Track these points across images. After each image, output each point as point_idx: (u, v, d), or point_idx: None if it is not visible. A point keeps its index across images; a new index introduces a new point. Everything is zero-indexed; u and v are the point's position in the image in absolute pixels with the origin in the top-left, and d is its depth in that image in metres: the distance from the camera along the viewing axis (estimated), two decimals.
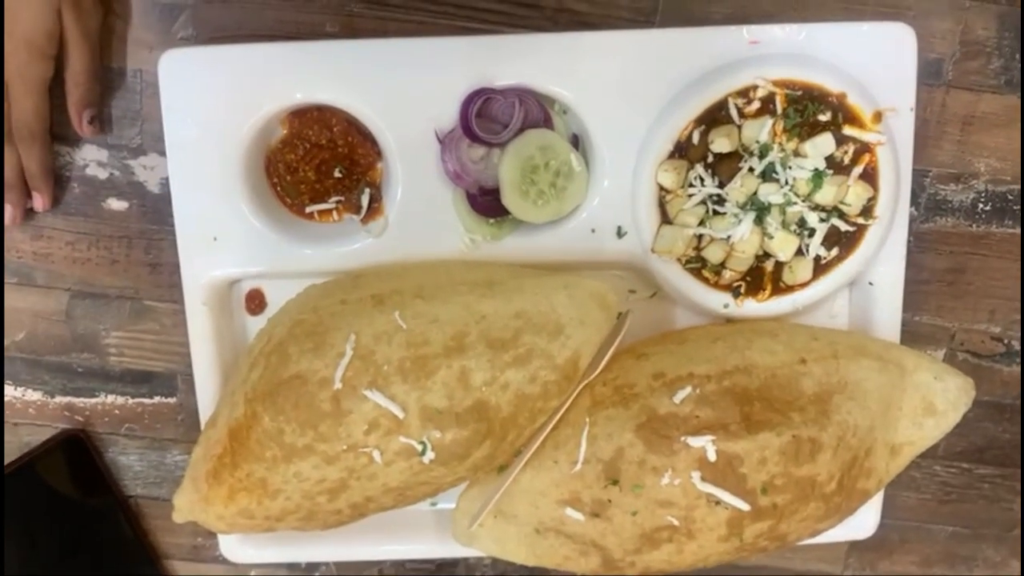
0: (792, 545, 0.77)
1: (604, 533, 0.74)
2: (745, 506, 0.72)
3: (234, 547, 0.86)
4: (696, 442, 0.71)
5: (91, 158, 0.81)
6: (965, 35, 0.80)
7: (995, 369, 0.88)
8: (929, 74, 0.80)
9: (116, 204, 0.82)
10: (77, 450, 0.86)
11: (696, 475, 0.71)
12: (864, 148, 0.76)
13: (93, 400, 0.87)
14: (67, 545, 0.87)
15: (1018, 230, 0.85)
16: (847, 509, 0.77)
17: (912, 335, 0.85)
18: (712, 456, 0.71)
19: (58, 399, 0.86)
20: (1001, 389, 0.89)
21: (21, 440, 0.87)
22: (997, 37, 0.80)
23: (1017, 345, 0.87)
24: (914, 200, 0.82)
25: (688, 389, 0.73)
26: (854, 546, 0.92)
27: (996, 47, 0.80)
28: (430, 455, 0.71)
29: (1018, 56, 0.80)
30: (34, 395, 0.86)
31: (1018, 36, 0.80)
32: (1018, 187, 0.84)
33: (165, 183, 0.80)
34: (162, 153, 0.79)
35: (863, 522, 0.85)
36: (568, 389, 0.74)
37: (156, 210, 0.82)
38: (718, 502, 0.72)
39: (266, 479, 0.72)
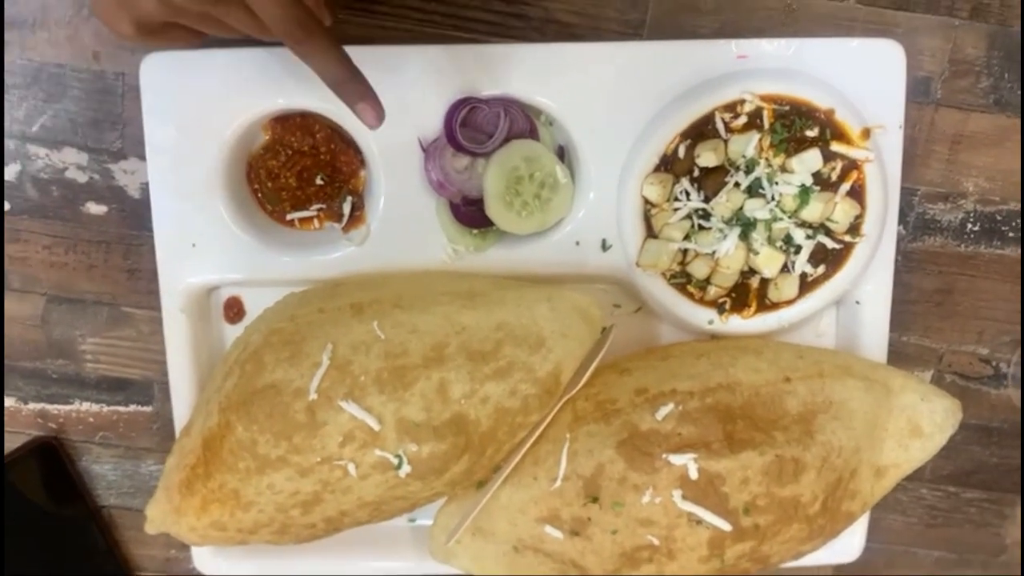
0: (775, 568, 0.76)
1: (583, 552, 0.73)
2: (727, 526, 0.70)
3: (207, 560, 0.84)
4: (678, 460, 0.70)
5: (71, 161, 0.80)
6: (955, 53, 0.79)
7: (983, 392, 0.87)
8: (918, 92, 0.79)
9: (95, 208, 0.81)
10: (50, 458, 0.85)
11: (677, 493, 0.70)
12: (852, 165, 0.75)
13: (67, 407, 0.85)
14: (37, 555, 0.85)
15: (1007, 251, 0.84)
16: (831, 531, 0.75)
17: (899, 356, 0.84)
18: (694, 474, 0.70)
19: (31, 406, 0.85)
20: (989, 412, 0.87)
21: None
22: (986, 56, 0.79)
23: (1005, 368, 0.86)
24: (902, 219, 0.81)
25: (671, 406, 0.72)
26: (839, 570, 0.91)
27: (985, 66, 0.80)
28: (406, 469, 0.69)
29: (1007, 75, 0.80)
30: (7, 401, 0.84)
31: (1007, 55, 0.79)
32: (1007, 208, 0.83)
33: (145, 188, 0.79)
34: (143, 157, 0.77)
35: (848, 545, 0.84)
36: (549, 403, 0.73)
37: (135, 215, 0.81)
38: (699, 521, 0.70)
39: (239, 490, 0.71)
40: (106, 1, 0.59)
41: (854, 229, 0.76)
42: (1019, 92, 0.80)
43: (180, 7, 0.57)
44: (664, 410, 0.71)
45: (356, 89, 0.61)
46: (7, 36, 0.77)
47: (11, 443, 0.85)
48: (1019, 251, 0.84)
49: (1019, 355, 0.86)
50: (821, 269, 0.77)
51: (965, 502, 0.90)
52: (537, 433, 0.73)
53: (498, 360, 0.71)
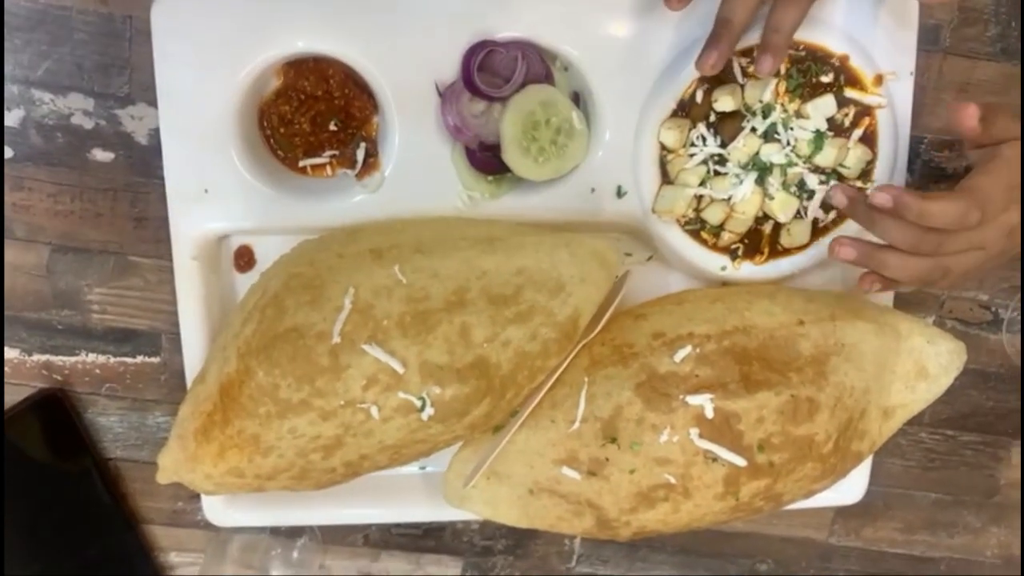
0: (786, 506, 0.78)
1: (600, 492, 0.74)
2: (742, 462, 0.72)
3: (218, 510, 0.84)
4: (695, 400, 0.71)
5: (76, 107, 0.78)
6: (964, 1, 0.80)
7: (982, 337, 0.89)
8: (927, 40, 0.80)
9: (101, 155, 0.80)
10: (54, 410, 0.84)
11: (694, 432, 0.71)
12: (864, 111, 0.76)
13: (73, 359, 0.84)
14: (39, 509, 0.84)
15: None
16: (841, 470, 0.77)
17: (903, 300, 0.86)
18: (710, 414, 0.71)
19: (36, 357, 0.84)
20: (987, 357, 0.90)
21: None
22: (994, 4, 0.80)
23: (1003, 313, 0.89)
24: (909, 166, 0.83)
25: (688, 348, 0.73)
26: (840, 512, 0.93)
27: (993, 14, 0.81)
28: (429, 411, 0.70)
29: (1014, 24, 0.81)
30: (11, 353, 0.83)
31: (1015, 3, 0.81)
32: None
33: (153, 134, 0.78)
34: (151, 103, 0.76)
35: (851, 487, 0.85)
36: (567, 348, 0.73)
37: (143, 162, 0.80)
38: (715, 459, 0.72)
39: (259, 436, 0.71)
40: None
41: (865, 175, 0.77)
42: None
43: None
44: (682, 352, 0.72)
45: None
46: None
47: (16, 395, 0.84)
48: None
49: (1018, 300, 0.88)
50: (832, 215, 0.78)
51: (962, 445, 0.92)
52: (555, 377, 0.74)
53: (519, 304, 0.71)
